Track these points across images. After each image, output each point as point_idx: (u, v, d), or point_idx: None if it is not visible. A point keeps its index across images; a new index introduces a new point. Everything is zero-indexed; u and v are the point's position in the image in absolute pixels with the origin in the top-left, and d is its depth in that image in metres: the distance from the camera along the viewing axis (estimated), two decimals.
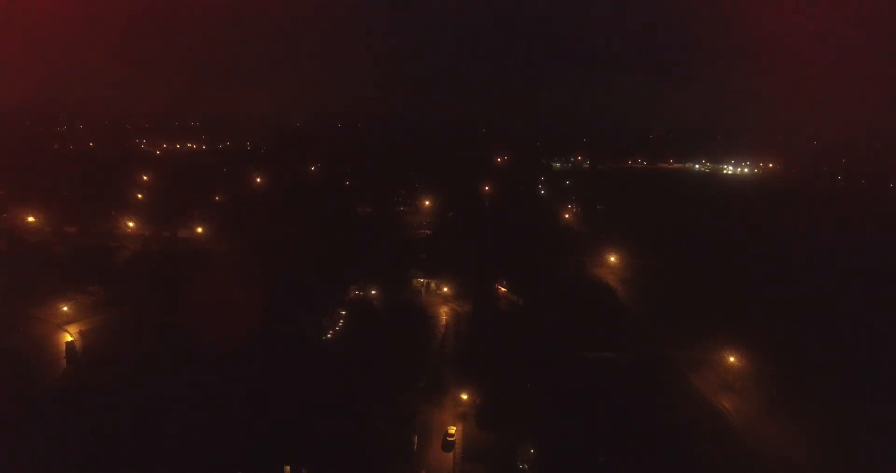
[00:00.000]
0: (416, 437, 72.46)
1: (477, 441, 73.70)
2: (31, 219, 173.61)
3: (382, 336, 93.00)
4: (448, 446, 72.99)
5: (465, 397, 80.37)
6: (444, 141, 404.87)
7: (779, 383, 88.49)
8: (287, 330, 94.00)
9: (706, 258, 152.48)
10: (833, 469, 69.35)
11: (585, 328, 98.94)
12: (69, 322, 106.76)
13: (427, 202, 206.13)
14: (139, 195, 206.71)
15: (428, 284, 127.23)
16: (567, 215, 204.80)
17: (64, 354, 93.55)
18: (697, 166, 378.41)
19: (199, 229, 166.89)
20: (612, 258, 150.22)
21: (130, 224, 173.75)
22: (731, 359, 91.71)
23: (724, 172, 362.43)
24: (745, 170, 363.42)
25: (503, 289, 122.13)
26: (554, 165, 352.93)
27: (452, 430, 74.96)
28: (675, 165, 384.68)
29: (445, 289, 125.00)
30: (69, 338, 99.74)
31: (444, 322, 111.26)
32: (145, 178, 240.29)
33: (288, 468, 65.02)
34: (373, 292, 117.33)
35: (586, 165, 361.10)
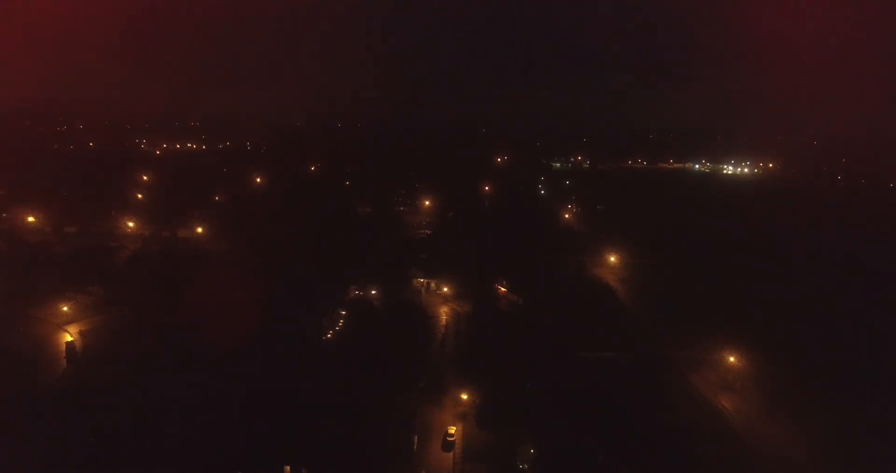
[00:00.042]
0: (416, 437, 72.45)
1: (477, 441, 73.68)
2: (31, 219, 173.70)
3: (382, 336, 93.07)
4: (448, 446, 72.97)
5: (465, 397, 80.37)
6: (444, 141, 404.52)
7: (779, 383, 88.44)
8: (287, 330, 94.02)
9: (706, 258, 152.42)
10: (833, 469, 69.33)
11: (585, 328, 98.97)
12: (69, 322, 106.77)
13: (427, 202, 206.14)
14: (139, 195, 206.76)
15: (428, 284, 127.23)
16: (567, 215, 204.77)
17: (64, 354, 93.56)
18: (697, 166, 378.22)
19: (199, 229, 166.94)
20: (612, 258, 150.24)
21: (130, 224, 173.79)
22: (731, 359, 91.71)
23: (724, 172, 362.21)
24: (745, 170, 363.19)
25: (503, 289, 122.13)
26: (554, 165, 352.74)
27: (452, 430, 74.95)
28: (675, 165, 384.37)
29: (445, 289, 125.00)
30: (69, 338, 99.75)
31: (444, 322, 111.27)
32: (145, 178, 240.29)
33: (288, 468, 65.00)
34: (373, 292, 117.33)
35: (586, 165, 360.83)
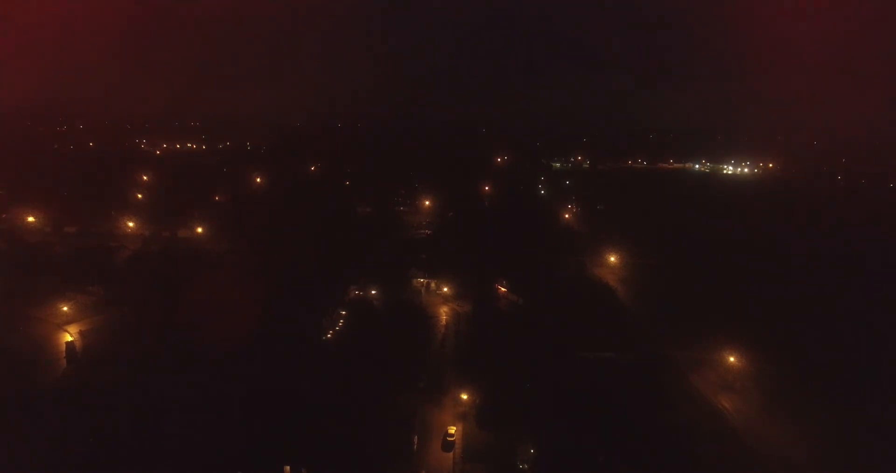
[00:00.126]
0: (416, 437, 72.48)
1: (477, 441, 73.71)
2: (31, 219, 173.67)
3: (382, 336, 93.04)
4: (448, 446, 72.99)
5: (465, 397, 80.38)
6: (444, 141, 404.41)
7: (779, 383, 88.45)
8: (287, 330, 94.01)
9: (706, 258, 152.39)
10: (833, 469, 69.35)
11: (585, 328, 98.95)
12: (69, 322, 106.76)
13: (427, 202, 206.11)
14: (139, 195, 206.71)
15: (428, 284, 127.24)
16: (567, 215, 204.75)
17: (64, 354, 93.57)
18: (697, 166, 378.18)
19: (199, 229, 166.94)
20: (612, 258, 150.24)
21: (130, 224, 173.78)
22: (731, 359, 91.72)
23: (724, 172, 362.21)
24: (745, 170, 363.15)
25: (503, 289, 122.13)
26: (554, 165, 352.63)
27: (452, 430, 74.96)
28: (675, 165, 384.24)
29: (445, 289, 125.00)
30: (69, 338, 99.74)
31: (444, 322, 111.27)
32: (145, 178, 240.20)
33: (288, 468, 65.02)
34: (373, 292, 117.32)
35: (586, 165, 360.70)
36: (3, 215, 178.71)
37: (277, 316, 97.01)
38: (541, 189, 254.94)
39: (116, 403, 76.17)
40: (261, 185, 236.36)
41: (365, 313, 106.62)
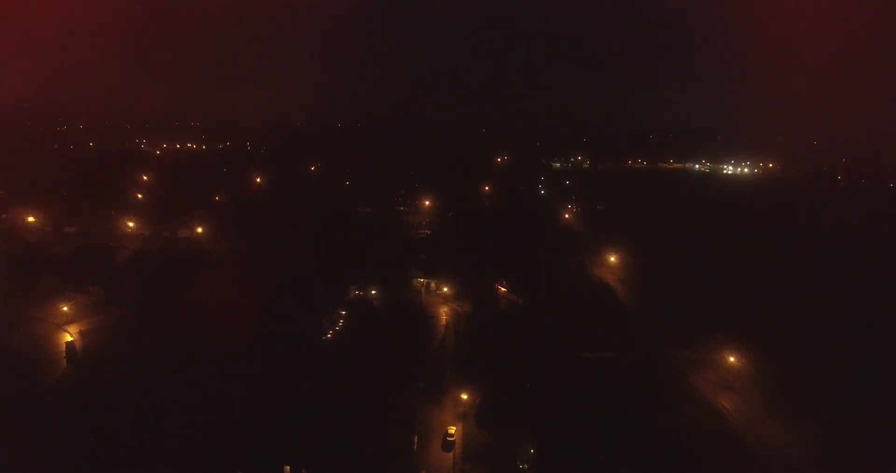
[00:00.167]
0: (416, 437, 72.48)
1: (477, 441, 73.70)
2: (31, 219, 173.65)
3: (382, 336, 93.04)
4: (448, 446, 72.99)
5: (465, 397, 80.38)
6: (444, 141, 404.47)
7: (779, 383, 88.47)
8: (287, 330, 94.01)
9: (706, 258, 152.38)
10: (833, 469, 69.35)
11: (585, 328, 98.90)
12: (69, 322, 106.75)
13: (427, 202, 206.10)
14: (139, 195, 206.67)
15: (428, 284, 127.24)
16: (567, 215, 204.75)
17: (64, 354, 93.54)
18: (697, 166, 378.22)
19: (199, 229, 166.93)
20: (612, 258, 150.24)
21: (130, 224, 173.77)
22: (731, 359, 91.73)
23: (724, 172, 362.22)
24: (745, 170, 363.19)
25: (503, 289, 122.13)
26: (554, 165, 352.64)
27: (452, 430, 74.96)
28: (675, 165, 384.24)
29: (445, 289, 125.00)
30: (69, 338, 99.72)
31: (444, 322, 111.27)
32: (145, 178, 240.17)
33: (288, 468, 65.02)
34: (373, 292, 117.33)
35: (586, 165, 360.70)
36: (3, 215, 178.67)
37: (277, 316, 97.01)
38: (541, 189, 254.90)
39: (116, 403, 76.14)
40: (261, 185, 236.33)
41: (365, 313, 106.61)
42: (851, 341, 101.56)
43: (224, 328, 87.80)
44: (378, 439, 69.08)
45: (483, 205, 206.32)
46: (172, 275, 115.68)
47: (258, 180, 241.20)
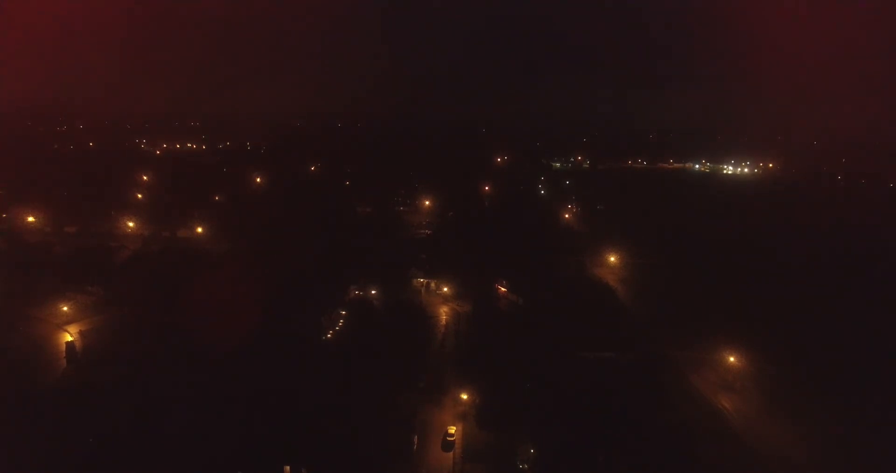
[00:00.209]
0: (416, 437, 72.46)
1: (477, 441, 73.68)
2: (31, 219, 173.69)
3: (382, 336, 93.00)
4: (448, 446, 72.98)
5: (465, 397, 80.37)
6: (444, 141, 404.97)
7: (779, 383, 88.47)
8: (287, 330, 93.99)
9: (706, 258, 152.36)
10: (833, 469, 69.33)
11: (585, 328, 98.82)
12: (69, 322, 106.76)
13: (427, 202, 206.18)
14: (139, 195, 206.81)
15: (428, 284, 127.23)
16: (567, 215, 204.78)
17: (64, 354, 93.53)
18: (697, 166, 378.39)
19: (199, 229, 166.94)
20: (612, 258, 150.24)
21: (130, 224, 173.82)
22: (731, 359, 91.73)
23: (724, 172, 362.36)
24: (745, 170, 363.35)
25: (503, 289, 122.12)
26: (554, 165, 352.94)
27: (452, 430, 74.95)
28: (675, 166, 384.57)
29: (445, 289, 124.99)
30: (69, 338, 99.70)
31: (444, 322, 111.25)
32: (145, 178, 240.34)
33: (288, 468, 65.01)
34: (373, 292, 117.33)
35: (586, 165, 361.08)
36: (3, 215, 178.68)
37: (277, 316, 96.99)
38: (541, 189, 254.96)
39: (116, 403, 76.20)
40: (261, 185, 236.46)
41: (365, 313, 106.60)
42: (851, 341, 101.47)
43: (224, 328, 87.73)
44: (378, 439, 69.03)
45: (483, 205, 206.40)
46: (172, 275, 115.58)
47: (258, 179, 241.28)
